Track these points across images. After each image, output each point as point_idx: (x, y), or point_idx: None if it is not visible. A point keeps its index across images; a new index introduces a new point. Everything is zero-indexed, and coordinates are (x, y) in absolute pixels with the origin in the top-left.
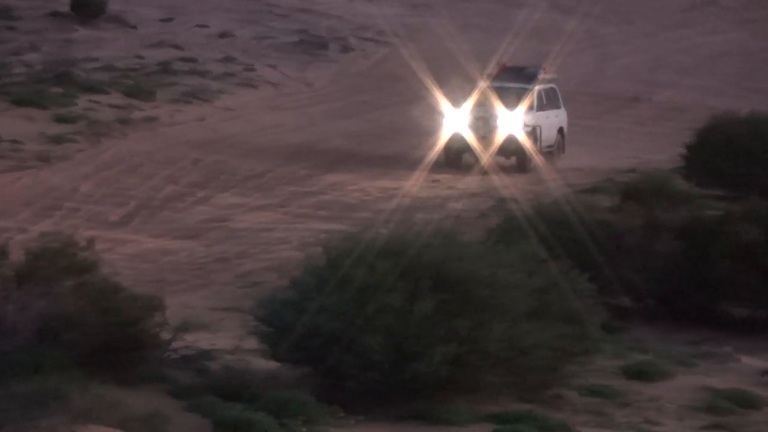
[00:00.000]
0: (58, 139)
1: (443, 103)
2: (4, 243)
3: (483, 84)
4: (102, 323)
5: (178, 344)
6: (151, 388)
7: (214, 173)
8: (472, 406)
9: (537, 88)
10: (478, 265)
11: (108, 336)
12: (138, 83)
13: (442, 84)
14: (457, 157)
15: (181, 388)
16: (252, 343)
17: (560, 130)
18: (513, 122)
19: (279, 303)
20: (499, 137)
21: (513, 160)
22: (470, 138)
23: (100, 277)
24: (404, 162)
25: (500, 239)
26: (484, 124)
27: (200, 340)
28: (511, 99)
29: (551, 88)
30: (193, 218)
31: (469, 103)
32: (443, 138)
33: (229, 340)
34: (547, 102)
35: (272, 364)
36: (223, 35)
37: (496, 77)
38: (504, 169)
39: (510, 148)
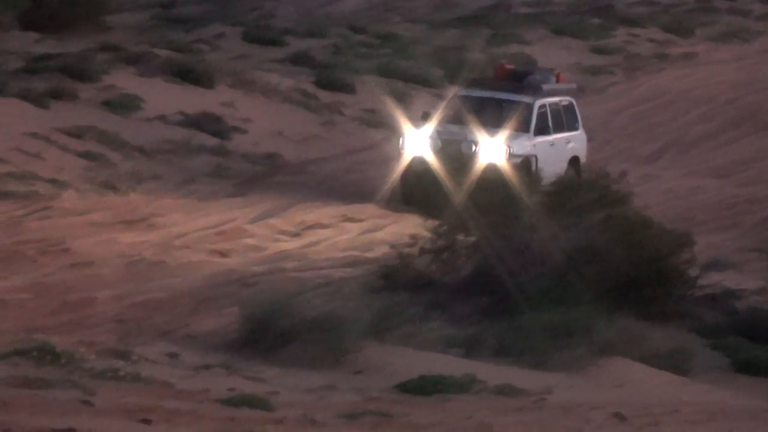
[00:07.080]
0: (594, 71)
1: None
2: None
3: (458, 93)
4: (629, 257)
5: (704, 282)
6: (674, 325)
7: (748, 114)
8: None
9: (538, 102)
10: None
11: (634, 270)
12: (677, 19)
13: None
14: (417, 190)
15: (706, 326)
16: None
17: (573, 161)
18: (495, 150)
19: None
20: (476, 169)
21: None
22: (436, 167)
23: (632, 211)
24: None
25: None
26: (454, 149)
27: (726, 280)
28: (499, 116)
29: (565, 104)
30: (724, 158)
31: (437, 118)
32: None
33: (756, 282)
34: (554, 123)
35: None
36: None
37: (488, 84)
38: None
39: (488, 181)
